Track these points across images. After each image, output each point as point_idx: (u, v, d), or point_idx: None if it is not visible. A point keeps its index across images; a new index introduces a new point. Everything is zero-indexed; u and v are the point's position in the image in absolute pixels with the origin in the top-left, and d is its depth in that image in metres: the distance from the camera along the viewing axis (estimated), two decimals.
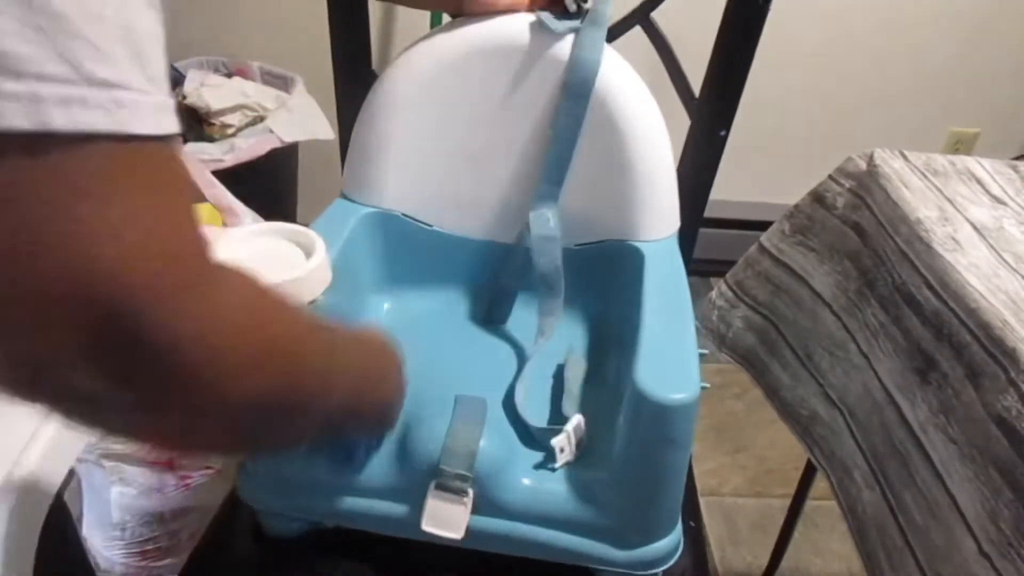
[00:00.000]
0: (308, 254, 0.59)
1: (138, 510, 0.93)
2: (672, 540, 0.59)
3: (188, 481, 0.97)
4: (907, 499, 0.65)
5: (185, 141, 1.37)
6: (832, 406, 0.79)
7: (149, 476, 0.92)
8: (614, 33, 0.80)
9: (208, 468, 0.98)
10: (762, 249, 0.89)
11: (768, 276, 0.88)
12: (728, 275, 0.93)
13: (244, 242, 0.60)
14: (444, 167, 0.73)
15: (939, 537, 0.60)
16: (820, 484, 0.90)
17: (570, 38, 0.67)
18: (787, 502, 1.11)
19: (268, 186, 1.48)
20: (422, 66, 0.68)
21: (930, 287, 0.65)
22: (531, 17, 0.68)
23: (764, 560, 1.21)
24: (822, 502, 1.31)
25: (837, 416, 0.78)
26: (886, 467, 0.69)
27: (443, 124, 0.70)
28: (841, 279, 0.80)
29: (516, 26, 0.68)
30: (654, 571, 0.59)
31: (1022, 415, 0.53)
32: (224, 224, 1.09)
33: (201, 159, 1.27)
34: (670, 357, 0.56)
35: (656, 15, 0.82)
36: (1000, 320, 0.57)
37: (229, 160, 1.32)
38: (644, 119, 0.69)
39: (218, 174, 1.17)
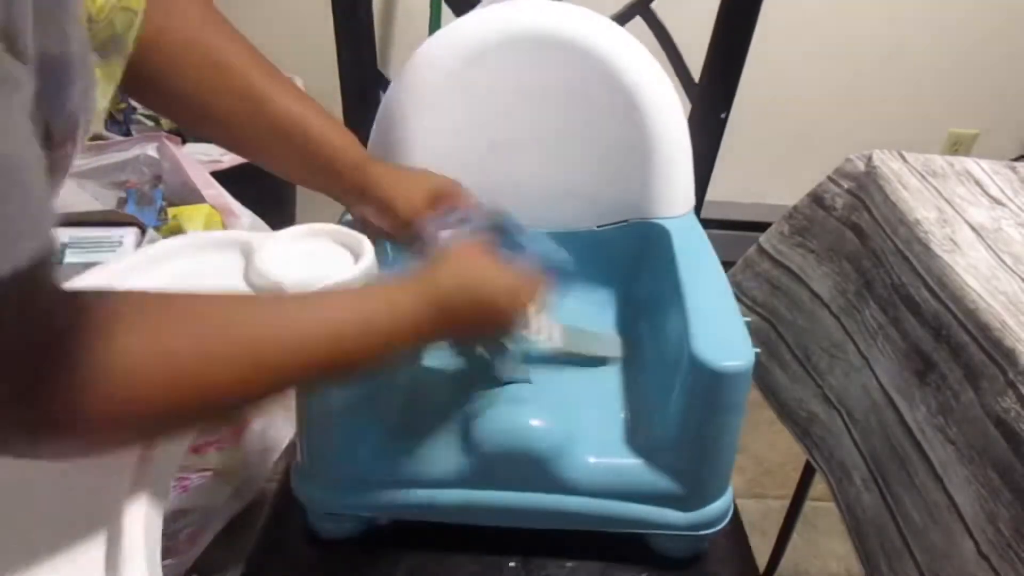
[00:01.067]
0: (356, 256, 0.59)
1: None
2: (726, 501, 0.62)
3: (186, 483, 0.96)
4: (906, 500, 0.65)
5: (184, 142, 1.37)
6: (831, 407, 0.79)
7: None
8: (617, 23, 0.81)
9: (206, 470, 0.98)
10: (761, 250, 0.89)
11: (767, 277, 0.88)
12: (727, 276, 0.93)
13: (291, 244, 0.60)
14: (467, 158, 0.73)
15: (938, 538, 0.60)
16: (819, 485, 0.90)
17: (593, 21, 0.69)
18: (786, 503, 1.11)
19: (267, 187, 1.48)
20: (444, 58, 0.69)
21: (929, 288, 0.65)
22: (549, 5, 0.70)
23: (763, 561, 1.21)
24: (821, 503, 1.31)
25: (836, 417, 0.78)
26: (885, 468, 0.68)
27: (466, 115, 0.71)
28: (840, 280, 0.80)
29: (536, 15, 0.69)
30: (711, 531, 0.62)
31: (1021, 416, 0.53)
32: (223, 225, 1.08)
33: (200, 160, 1.27)
34: (721, 327, 0.58)
35: (655, 5, 0.83)
36: (998, 321, 0.57)
37: (228, 161, 1.32)
38: (659, 95, 0.70)
39: (217, 175, 1.17)
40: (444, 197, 0.63)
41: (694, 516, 0.61)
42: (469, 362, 0.68)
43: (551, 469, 0.59)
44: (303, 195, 1.67)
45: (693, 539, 0.62)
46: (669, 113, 0.70)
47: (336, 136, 0.61)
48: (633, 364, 0.70)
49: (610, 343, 0.71)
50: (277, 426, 1.12)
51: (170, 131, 1.47)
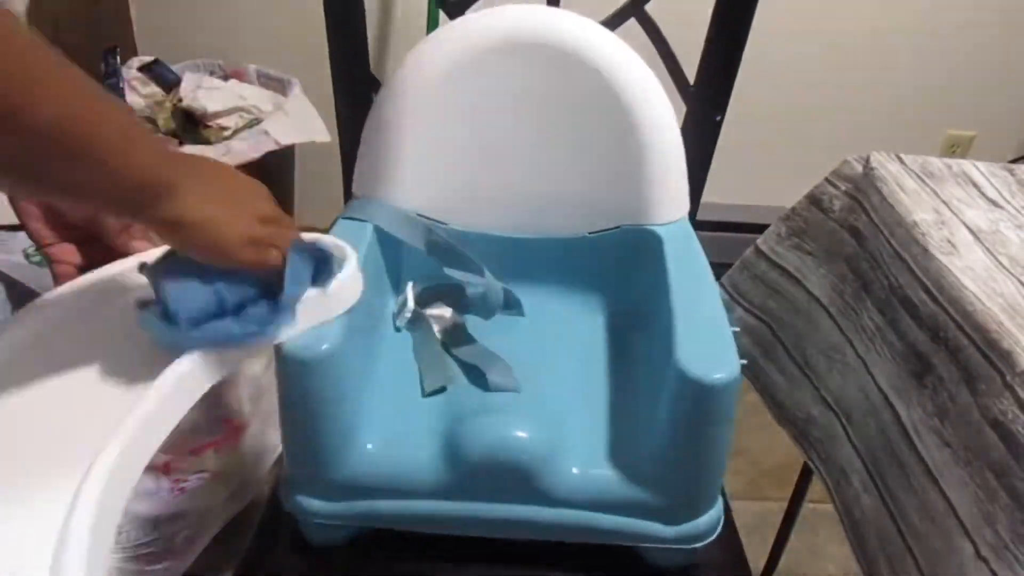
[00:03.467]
0: (339, 264, 0.58)
1: (132, 515, 0.92)
2: (715, 513, 0.62)
3: (183, 485, 0.96)
4: (905, 503, 0.65)
5: (181, 143, 1.37)
6: (828, 409, 0.79)
7: (143, 480, 0.92)
8: (610, 26, 0.81)
9: (203, 472, 0.98)
10: (758, 252, 0.89)
11: (764, 279, 0.88)
12: (724, 278, 0.93)
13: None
14: (458, 164, 0.73)
15: (937, 541, 0.60)
16: (816, 487, 0.90)
17: (585, 27, 0.69)
18: (784, 505, 1.11)
19: None
20: (434, 64, 0.69)
21: (926, 290, 0.65)
22: (541, 10, 0.69)
23: (761, 563, 1.21)
24: (819, 505, 1.30)
25: (834, 419, 0.78)
26: (883, 470, 0.68)
27: (456, 121, 0.71)
28: (837, 282, 0.80)
29: (527, 20, 0.69)
30: (700, 544, 0.61)
31: (1017, 418, 0.53)
32: None
33: None
34: (707, 337, 0.57)
35: (650, 7, 0.83)
36: (996, 323, 0.57)
37: (225, 162, 1.31)
38: (652, 101, 0.70)
39: None
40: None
41: (682, 529, 0.60)
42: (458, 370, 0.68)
43: (536, 481, 0.58)
44: (301, 196, 1.67)
45: (684, 550, 0.62)
46: (662, 119, 0.70)
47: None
48: (622, 373, 0.69)
49: (502, 372, 0.67)
50: (273, 429, 1.12)
51: (167, 133, 1.47)
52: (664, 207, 0.72)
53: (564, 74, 0.69)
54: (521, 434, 0.58)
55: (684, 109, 0.84)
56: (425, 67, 0.69)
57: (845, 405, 0.76)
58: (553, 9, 0.71)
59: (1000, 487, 0.54)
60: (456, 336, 0.72)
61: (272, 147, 1.38)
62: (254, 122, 1.49)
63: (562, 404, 0.65)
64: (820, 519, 1.37)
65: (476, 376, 0.66)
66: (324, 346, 0.54)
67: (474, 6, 0.83)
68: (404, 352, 0.71)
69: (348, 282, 0.57)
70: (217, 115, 1.48)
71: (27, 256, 1.01)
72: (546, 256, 0.76)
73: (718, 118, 0.82)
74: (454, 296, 0.75)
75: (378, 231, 0.70)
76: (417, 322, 0.73)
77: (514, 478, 0.58)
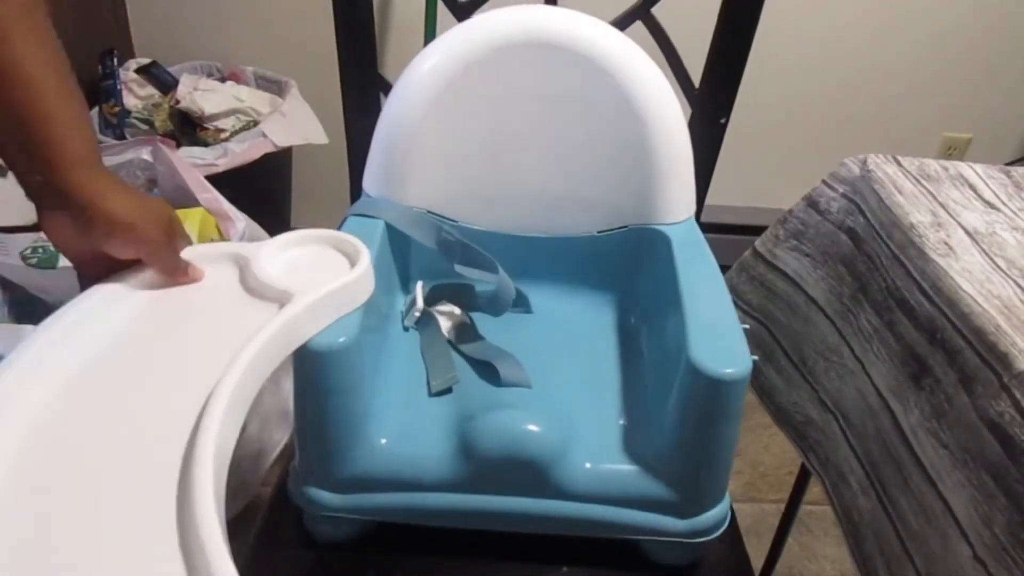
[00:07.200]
0: (352, 262, 0.59)
1: None
2: (723, 508, 0.62)
3: None
4: (903, 505, 0.65)
5: (179, 145, 1.37)
6: (826, 411, 0.79)
7: None
8: (617, 29, 0.81)
9: None
10: (756, 254, 0.89)
11: (762, 281, 0.88)
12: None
13: (287, 249, 0.60)
14: (468, 163, 0.73)
15: (935, 543, 0.60)
16: (814, 489, 0.90)
17: (596, 28, 0.69)
18: (781, 507, 1.11)
19: (262, 190, 1.48)
20: (446, 64, 0.69)
21: (923, 292, 0.65)
22: (552, 11, 0.70)
23: (758, 565, 1.21)
24: (816, 507, 1.31)
25: (831, 421, 0.78)
26: (881, 472, 0.69)
27: (467, 120, 0.71)
28: (835, 284, 0.80)
29: (538, 20, 0.69)
30: (707, 538, 0.62)
31: (1015, 420, 0.53)
32: (219, 229, 1.08)
33: (195, 164, 1.27)
34: (719, 334, 0.58)
35: (656, 9, 0.83)
36: (993, 325, 0.57)
37: (223, 164, 1.32)
38: (662, 102, 0.70)
39: (212, 179, 1.17)
40: (180, 233, 0.56)
41: (690, 523, 0.61)
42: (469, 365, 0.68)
43: (547, 474, 0.59)
44: (298, 199, 1.67)
45: (688, 546, 0.62)
46: (670, 119, 0.70)
47: (65, 114, 0.49)
48: (631, 369, 0.70)
49: (514, 368, 0.67)
50: (272, 429, 1.12)
51: (164, 135, 1.47)
52: (672, 207, 0.73)
53: (575, 74, 0.69)
54: (534, 428, 0.59)
55: (689, 111, 0.85)
56: (437, 67, 0.69)
57: (843, 407, 0.76)
58: (564, 10, 0.71)
59: (997, 489, 0.54)
60: (465, 334, 0.72)
61: (269, 149, 1.38)
62: (251, 124, 1.49)
63: (573, 400, 0.65)
64: (817, 521, 1.37)
65: (487, 372, 0.67)
66: (341, 339, 0.55)
67: (482, 7, 0.84)
68: (413, 351, 0.71)
69: (362, 277, 0.57)
70: (214, 117, 1.48)
71: (24, 258, 1.00)
72: (555, 255, 0.77)
73: (723, 120, 0.83)
74: (462, 294, 0.76)
75: (388, 229, 0.70)
76: (425, 321, 0.73)
77: (526, 473, 0.59)
